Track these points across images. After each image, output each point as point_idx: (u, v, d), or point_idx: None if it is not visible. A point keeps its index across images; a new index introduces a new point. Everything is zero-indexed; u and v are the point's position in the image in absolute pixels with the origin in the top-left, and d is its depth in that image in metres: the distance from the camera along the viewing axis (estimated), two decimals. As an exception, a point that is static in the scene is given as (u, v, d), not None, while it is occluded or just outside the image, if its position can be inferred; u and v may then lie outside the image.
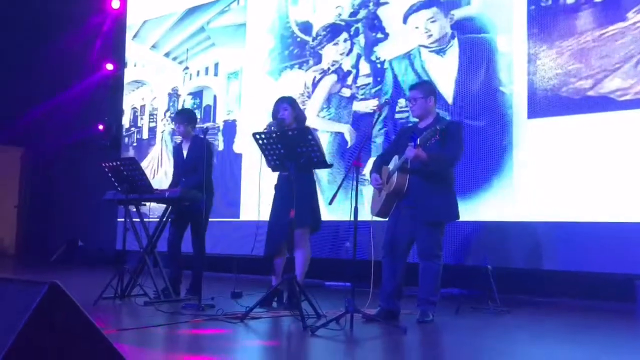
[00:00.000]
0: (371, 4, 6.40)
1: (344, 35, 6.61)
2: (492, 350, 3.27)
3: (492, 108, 5.50)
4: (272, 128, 4.42)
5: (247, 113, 7.45)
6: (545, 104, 5.22)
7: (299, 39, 7.04)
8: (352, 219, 3.62)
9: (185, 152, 5.22)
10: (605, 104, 4.92)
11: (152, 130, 8.76)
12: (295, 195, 3.95)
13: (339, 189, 3.84)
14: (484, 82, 5.57)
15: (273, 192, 4.74)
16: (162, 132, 8.57)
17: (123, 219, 4.96)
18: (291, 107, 4.60)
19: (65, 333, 1.61)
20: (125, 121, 9.19)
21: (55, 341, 1.60)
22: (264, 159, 4.27)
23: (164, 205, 5.07)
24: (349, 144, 6.42)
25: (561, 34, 5.17)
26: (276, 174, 4.65)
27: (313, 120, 6.62)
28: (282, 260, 4.60)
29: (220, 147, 7.64)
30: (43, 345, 1.58)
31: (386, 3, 6.29)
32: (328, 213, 6.33)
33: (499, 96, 5.48)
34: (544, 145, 5.18)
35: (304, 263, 4.47)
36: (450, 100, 5.72)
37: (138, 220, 4.98)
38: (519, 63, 5.38)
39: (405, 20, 6.13)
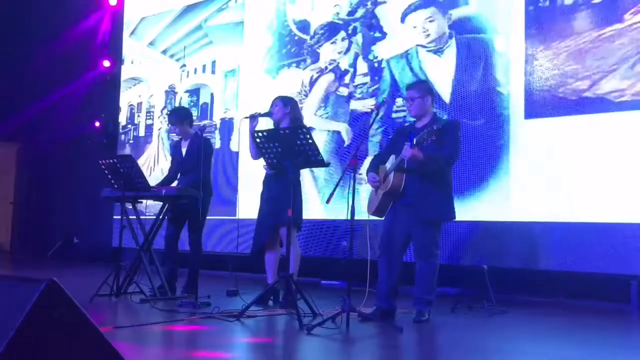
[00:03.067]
0: (369, 3, 6.41)
1: (342, 34, 6.61)
2: (488, 349, 3.28)
3: (489, 108, 5.51)
4: (257, 114, 4.67)
5: (244, 111, 7.44)
6: (542, 104, 5.24)
7: (296, 37, 7.03)
8: (349, 218, 3.63)
9: (184, 150, 5.21)
10: (601, 105, 4.94)
11: (149, 128, 8.75)
12: (292, 194, 3.98)
13: (336, 187, 3.85)
14: (481, 82, 5.58)
15: (261, 188, 4.78)
16: (159, 129, 8.55)
17: (119, 216, 4.96)
18: (283, 105, 4.67)
19: (62, 330, 1.61)
20: (122, 118, 9.17)
21: (52, 338, 1.60)
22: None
23: (160, 203, 5.06)
24: (346, 143, 6.43)
25: (559, 35, 5.18)
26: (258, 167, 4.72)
27: (310, 118, 6.62)
28: (275, 255, 4.63)
29: (217, 145, 7.63)
30: (41, 342, 1.58)
31: (384, 2, 6.30)
32: (325, 212, 6.37)
33: (496, 96, 5.49)
34: (540, 145, 5.19)
35: (296, 260, 4.50)
36: (447, 99, 5.73)
37: (135, 217, 4.98)
38: (516, 63, 5.39)
39: (403, 20, 6.13)
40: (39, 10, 9.88)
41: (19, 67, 9.81)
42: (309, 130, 3.95)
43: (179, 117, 5.21)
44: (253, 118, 4.68)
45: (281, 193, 4.37)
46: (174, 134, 6.20)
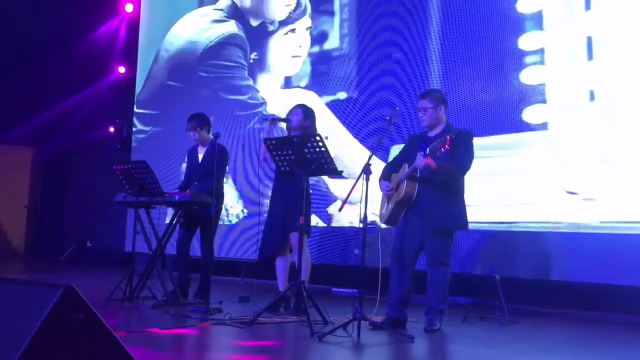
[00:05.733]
0: None
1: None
2: (499, 360, 3.27)
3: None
4: (277, 117, 4.69)
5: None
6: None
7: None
8: (361, 226, 3.63)
9: (200, 156, 5.23)
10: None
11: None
12: (305, 202, 4.00)
13: (348, 196, 3.85)
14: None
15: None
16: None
17: (133, 221, 5.00)
18: (303, 116, 4.62)
19: (79, 336, 1.63)
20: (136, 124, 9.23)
21: (69, 344, 1.62)
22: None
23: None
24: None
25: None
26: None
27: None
28: (285, 261, 4.64)
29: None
30: (57, 347, 1.60)
31: None
32: (337, 220, 6.37)
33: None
34: (554, 152, 5.14)
35: (307, 267, 4.51)
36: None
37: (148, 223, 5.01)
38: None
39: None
40: (54, 16, 9.99)
41: (34, 72, 9.93)
42: (322, 138, 3.95)
43: (199, 122, 5.23)
44: (272, 122, 4.65)
45: (292, 200, 4.37)
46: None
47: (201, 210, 4.86)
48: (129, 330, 3.51)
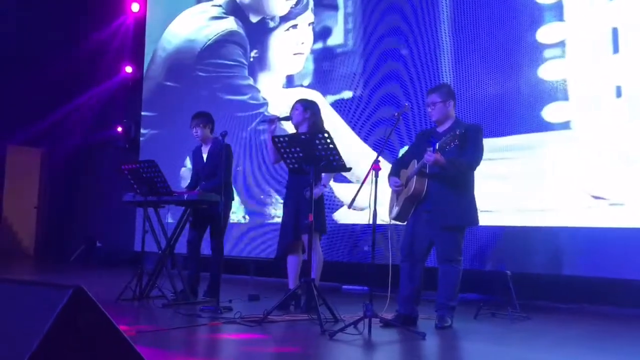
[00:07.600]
0: None
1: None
2: (512, 357, 3.24)
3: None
4: (276, 117, 4.69)
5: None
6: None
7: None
8: (371, 222, 3.61)
9: (205, 156, 5.22)
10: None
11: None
12: (312, 199, 3.98)
13: (358, 192, 3.83)
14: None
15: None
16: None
17: (142, 221, 5.00)
18: (302, 109, 4.64)
19: (89, 337, 1.62)
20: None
21: (79, 345, 1.61)
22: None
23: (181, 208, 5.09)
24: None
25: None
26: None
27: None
28: (297, 260, 4.63)
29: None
30: (67, 349, 1.59)
31: None
32: (347, 216, 6.33)
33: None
34: (563, 149, 5.10)
35: (318, 265, 4.50)
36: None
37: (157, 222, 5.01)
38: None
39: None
40: (61, 16, 10.01)
41: (43, 72, 9.96)
42: (330, 135, 3.93)
43: (204, 120, 5.22)
44: (272, 122, 4.67)
45: (302, 198, 4.38)
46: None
47: (210, 209, 4.86)
48: (139, 330, 3.50)
